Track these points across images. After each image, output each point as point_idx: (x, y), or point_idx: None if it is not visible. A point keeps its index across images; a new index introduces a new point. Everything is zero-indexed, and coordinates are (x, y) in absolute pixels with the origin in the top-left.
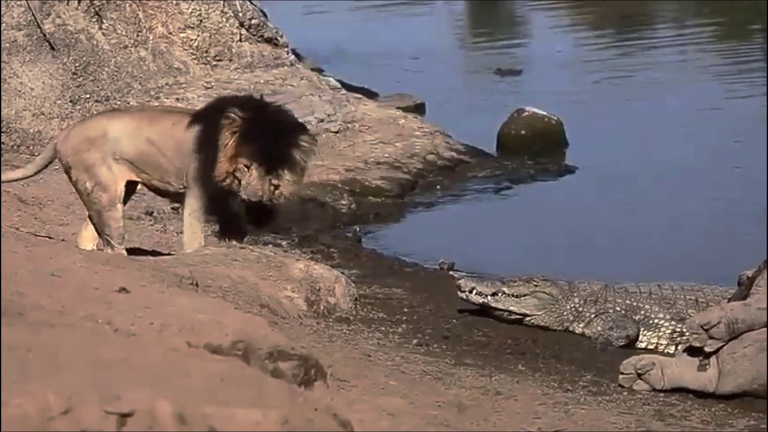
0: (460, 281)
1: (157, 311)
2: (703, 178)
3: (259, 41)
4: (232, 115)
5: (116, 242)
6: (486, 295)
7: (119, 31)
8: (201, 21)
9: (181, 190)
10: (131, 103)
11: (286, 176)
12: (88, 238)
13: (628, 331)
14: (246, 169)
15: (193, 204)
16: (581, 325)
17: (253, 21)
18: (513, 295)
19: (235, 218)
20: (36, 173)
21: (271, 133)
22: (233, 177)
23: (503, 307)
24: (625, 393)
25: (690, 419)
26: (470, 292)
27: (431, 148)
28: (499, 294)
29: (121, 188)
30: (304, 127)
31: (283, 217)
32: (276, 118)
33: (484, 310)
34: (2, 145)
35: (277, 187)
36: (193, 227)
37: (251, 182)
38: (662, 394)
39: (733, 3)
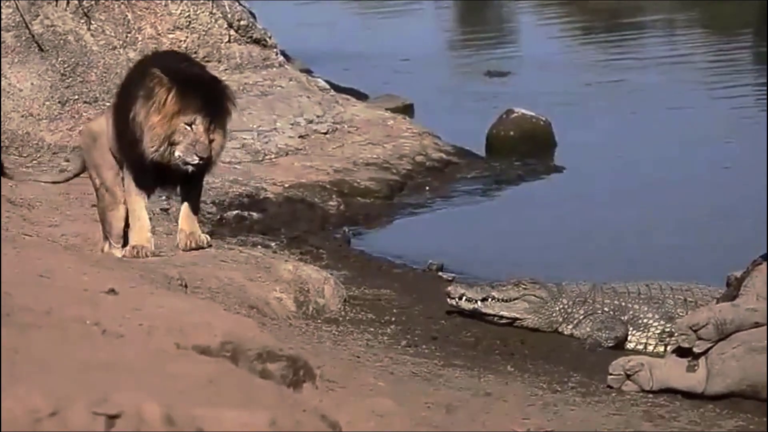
0: (449, 288)
1: (146, 312)
2: (691, 178)
3: (248, 42)
4: (157, 73)
5: (114, 240)
6: (476, 301)
7: (108, 32)
8: (190, 22)
9: None
10: None
11: (220, 129)
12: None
13: (617, 331)
14: (188, 128)
15: (128, 178)
16: (570, 327)
17: (242, 22)
18: (503, 300)
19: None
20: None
21: (205, 84)
22: (168, 143)
23: (494, 312)
24: (614, 394)
25: (679, 420)
26: (460, 298)
27: (420, 149)
28: (489, 299)
29: (120, 186)
30: (218, 78)
31: (272, 218)
32: (196, 70)
33: (474, 314)
34: None
35: (212, 139)
36: (135, 211)
37: (199, 139)
38: (651, 395)
39: (722, 4)
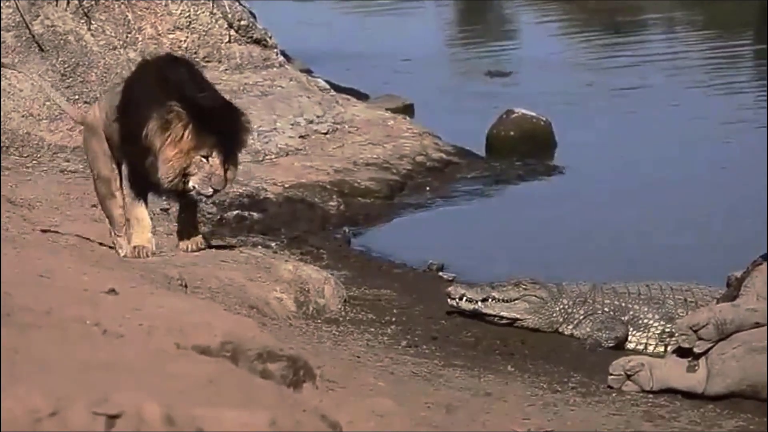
0: (449, 289)
1: (146, 312)
2: (691, 178)
3: (248, 42)
4: (175, 107)
5: (116, 230)
6: (476, 302)
7: (108, 32)
8: (190, 22)
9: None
10: None
11: (234, 160)
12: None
13: (617, 332)
14: (204, 161)
15: (129, 178)
16: (570, 327)
17: (242, 22)
18: (503, 300)
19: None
20: None
21: (222, 119)
22: (183, 174)
23: (494, 313)
24: (614, 394)
25: (679, 420)
26: (460, 299)
27: (420, 149)
28: (490, 300)
29: (116, 177)
30: (233, 105)
31: (273, 218)
32: (213, 101)
33: (475, 316)
34: None
35: (227, 170)
36: (133, 205)
37: (215, 172)
38: (651, 395)
39: (721, 3)
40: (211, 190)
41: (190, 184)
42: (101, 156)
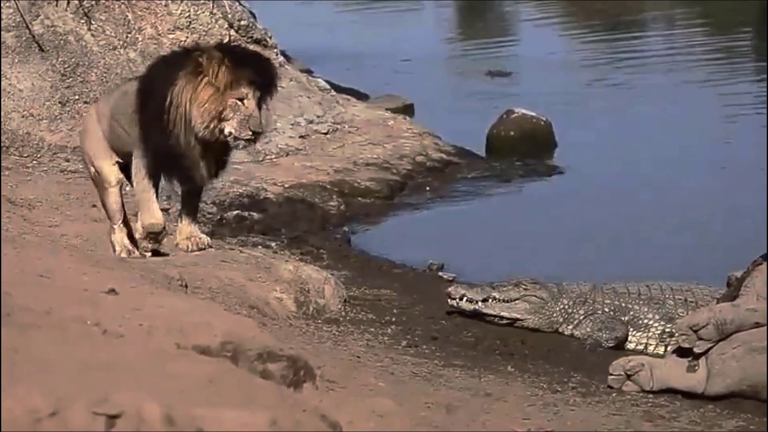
0: (450, 289)
1: (146, 312)
2: (691, 179)
3: (248, 42)
4: (208, 47)
5: (113, 222)
6: (476, 302)
7: (108, 33)
8: (190, 22)
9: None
10: None
11: (267, 104)
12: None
13: (617, 332)
14: (239, 103)
15: (138, 164)
16: (570, 327)
17: (242, 22)
18: (503, 300)
19: (190, 167)
20: None
21: (255, 57)
22: (218, 119)
23: (494, 313)
24: (614, 394)
25: (679, 420)
26: (460, 299)
27: (420, 149)
28: (490, 300)
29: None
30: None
31: (273, 218)
32: (243, 48)
33: (475, 316)
34: None
35: (261, 113)
36: (140, 184)
37: (252, 114)
38: (651, 395)
39: (721, 3)
40: (249, 132)
41: (227, 129)
42: (99, 153)
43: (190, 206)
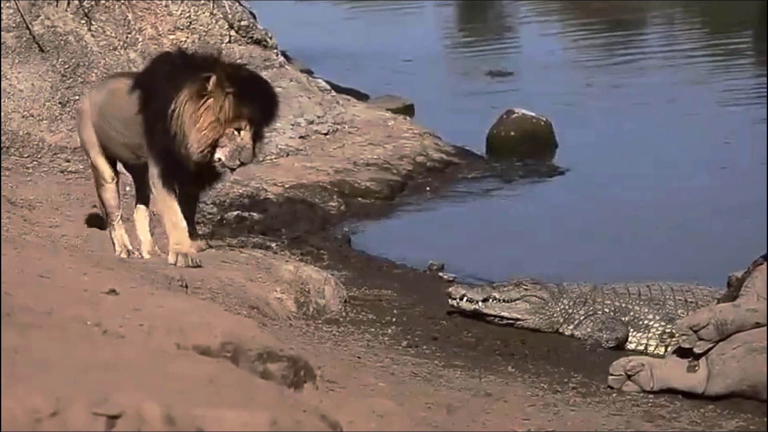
0: (450, 289)
1: (146, 313)
2: (691, 179)
3: (248, 43)
4: (219, 75)
5: (111, 219)
6: (477, 302)
7: (108, 33)
8: (190, 22)
9: (136, 160)
10: None
11: (261, 137)
12: (139, 216)
13: (618, 332)
14: (236, 133)
15: (153, 172)
16: (571, 327)
17: (243, 22)
18: (504, 300)
19: (184, 183)
20: None
21: (260, 92)
22: (213, 146)
23: (494, 313)
24: (614, 394)
25: (679, 420)
26: (461, 299)
27: (420, 149)
28: (490, 300)
29: (105, 165)
30: (264, 78)
31: (273, 218)
32: (249, 72)
33: (476, 316)
34: None
35: (254, 145)
36: (160, 194)
37: (245, 146)
38: (651, 396)
39: (721, 3)
40: (238, 163)
41: (217, 155)
42: (91, 144)
43: (189, 204)
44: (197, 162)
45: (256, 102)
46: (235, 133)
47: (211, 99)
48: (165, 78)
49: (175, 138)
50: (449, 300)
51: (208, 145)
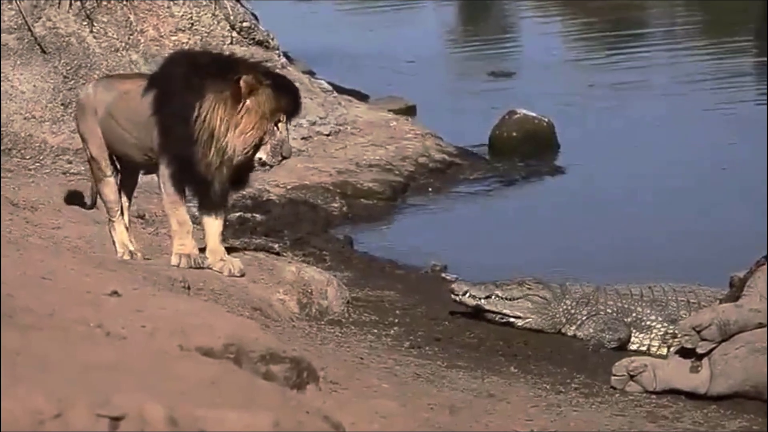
0: (453, 285)
1: (149, 314)
2: (694, 180)
3: (250, 44)
4: (254, 76)
5: (111, 215)
6: (479, 298)
7: (110, 34)
8: (192, 24)
9: (146, 161)
10: None
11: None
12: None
13: (620, 333)
14: (275, 128)
15: (165, 173)
16: (573, 327)
17: (245, 24)
18: (506, 298)
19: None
20: None
21: (288, 82)
22: (256, 147)
23: (496, 310)
24: (617, 395)
25: (682, 421)
26: (463, 294)
27: (423, 150)
28: (492, 297)
29: (107, 161)
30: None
31: (275, 219)
32: (268, 68)
33: (477, 313)
34: None
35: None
36: (170, 195)
37: (284, 139)
38: (654, 396)
39: (723, 3)
40: (280, 158)
41: (258, 155)
42: (91, 137)
43: (219, 212)
44: (236, 163)
45: (289, 92)
46: (275, 128)
47: (250, 100)
48: (182, 80)
49: (197, 143)
50: (452, 295)
51: (253, 145)
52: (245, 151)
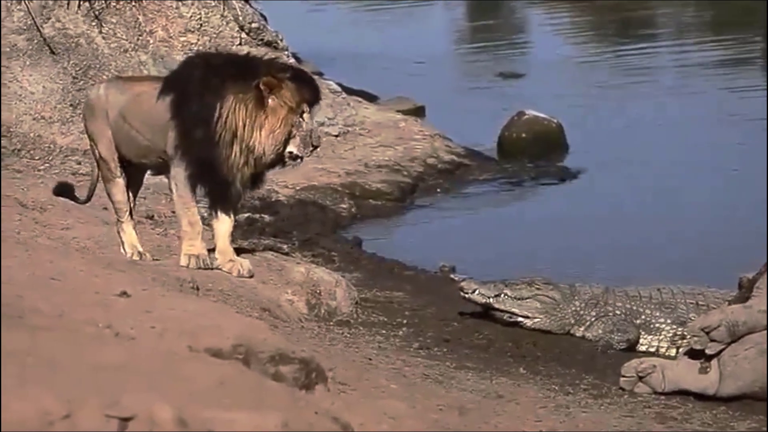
0: (462, 283)
1: (158, 315)
2: (703, 181)
3: (259, 45)
4: (277, 76)
5: (119, 215)
6: (488, 297)
7: (119, 35)
8: (201, 25)
9: (158, 163)
10: None
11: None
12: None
13: (629, 334)
14: (301, 120)
15: (179, 174)
16: (582, 328)
17: (253, 24)
18: (515, 298)
19: (228, 184)
20: None
21: (303, 72)
22: (285, 142)
23: (505, 309)
24: (626, 396)
25: (691, 422)
26: (472, 292)
27: (431, 151)
28: (501, 295)
29: (116, 161)
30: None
31: (284, 220)
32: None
33: (485, 312)
34: (2, 149)
35: None
36: (183, 197)
37: (312, 129)
38: (663, 397)
39: (733, 4)
40: (311, 148)
41: (288, 149)
42: (101, 137)
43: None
44: (271, 162)
45: (307, 82)
46: (300, 120)
47: (272, 99)
48: (200, 82)
49: (218, 144)
50: (461, 293)
51: (283, 141)
52: (276, 148)
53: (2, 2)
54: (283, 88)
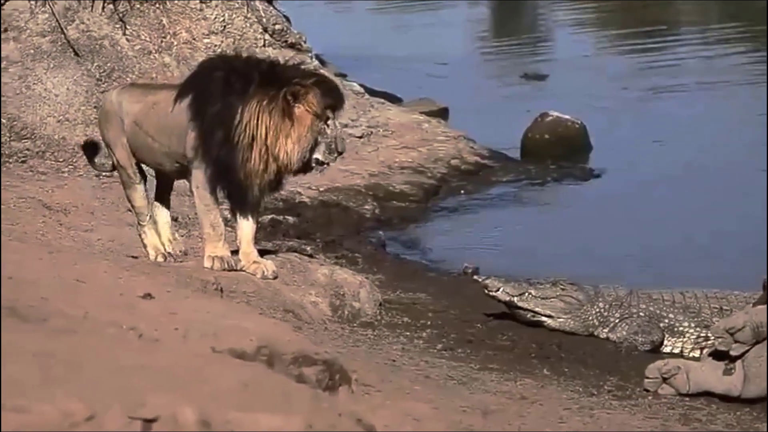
0: (486, 281)
1: (181, 317)
2: (727, 183)
3: (282, 46)
4: (302, 82)
5: (140, 219)
6: (512, 295)
7: (143, 37)
8: (225, 26)
9: (177, 168)
10: None
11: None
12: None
13: (654, 336)
14: (326, 126)
15: (199, 176)
16: (606, 330)
17: (277, 26)
18: (539, 297)
19: (246, 189)
20: None
21: (325, 77)
22: (312, 149)
23: (528, 307)
24: (650, 397)
25: (715, 423)
26: (497, 291)
27: (455, 152)
28: (526, 294)
29: (134, 166)
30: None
31: (308, 222)
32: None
33: (509, 312)
34: (27, 152)
35: None
36: (203, 199)
37: (338, 135)
38: (687, 398)
39: (757, 3)
40: (336, 154)
41: (314, 156)
42: (117, 144)
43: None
44: (298, 170)
45: (331, 88)
46: (325, 126)
47: (298, 107)
48: (221, 85)
49: (237, 147)
50: (485, 291)
51: (309, 149)
52: (302, 156)
53: (27, 4)
54: (308, 94)
